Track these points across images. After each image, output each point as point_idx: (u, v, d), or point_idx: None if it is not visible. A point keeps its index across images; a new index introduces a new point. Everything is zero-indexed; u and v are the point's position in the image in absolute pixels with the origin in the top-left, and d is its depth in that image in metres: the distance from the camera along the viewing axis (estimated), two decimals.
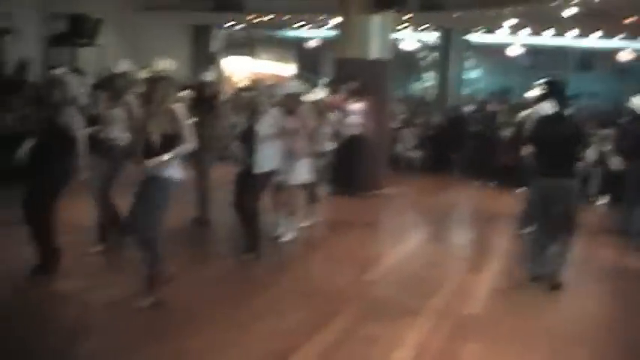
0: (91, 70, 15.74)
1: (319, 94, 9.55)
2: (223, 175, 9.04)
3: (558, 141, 6.84)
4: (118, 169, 7.34)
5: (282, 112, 8.10)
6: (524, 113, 9.37)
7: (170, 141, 5.82)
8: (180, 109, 5.99)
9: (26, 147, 6.60)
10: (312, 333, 5.61)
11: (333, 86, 10.75)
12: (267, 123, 7.61)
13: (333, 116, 9.88)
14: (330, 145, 9.73)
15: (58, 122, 6.46)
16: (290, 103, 8.24)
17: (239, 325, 5.71)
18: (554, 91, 7.38)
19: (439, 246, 9.20)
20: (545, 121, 7.08)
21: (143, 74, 5.92)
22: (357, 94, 11.29)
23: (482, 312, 6.43)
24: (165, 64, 5.90)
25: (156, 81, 5.87)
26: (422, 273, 7.63)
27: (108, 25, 18.30)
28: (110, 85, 7.45)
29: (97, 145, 7.18)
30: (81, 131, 6.57)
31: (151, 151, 5.83)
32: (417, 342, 5.58)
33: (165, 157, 5.81)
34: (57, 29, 17.05)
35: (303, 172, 8.57)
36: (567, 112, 7.08)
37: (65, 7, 17.13)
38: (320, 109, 9.41)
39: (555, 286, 7.02)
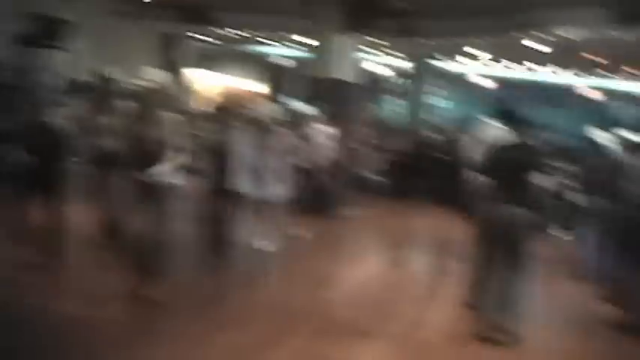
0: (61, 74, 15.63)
1: (309, 110, 9.75)
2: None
3: (512, 168, 6.38)
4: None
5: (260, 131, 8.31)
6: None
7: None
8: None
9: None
10: (268, 348, 5.58)
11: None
12: (244, 140, 7.68)
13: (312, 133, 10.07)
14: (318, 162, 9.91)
15: (50, 124, 6.69)
16: (267, 124, 8.43)
17: (196, 337, 5.66)
18: (507, 119, 6.87)
19: (399, 270, 9.17)
20: (498, 148, 6.68)
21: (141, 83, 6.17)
22: (331, 117, 11.28)
23: (440, 339, 6.36)
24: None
25: (154, 92, 6.36)
26: (381, 296, 7.58)
27: (77, 30, 18.17)
28: (100, 93, 7.40)
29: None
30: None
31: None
32: None
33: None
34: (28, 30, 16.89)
35: (281, 188, 8.63)
36: (525, 139, 6.59)
37: (37, 9, 17.00)
38: (301, 123, 9.92)
39: (511, 340, 6.27)
